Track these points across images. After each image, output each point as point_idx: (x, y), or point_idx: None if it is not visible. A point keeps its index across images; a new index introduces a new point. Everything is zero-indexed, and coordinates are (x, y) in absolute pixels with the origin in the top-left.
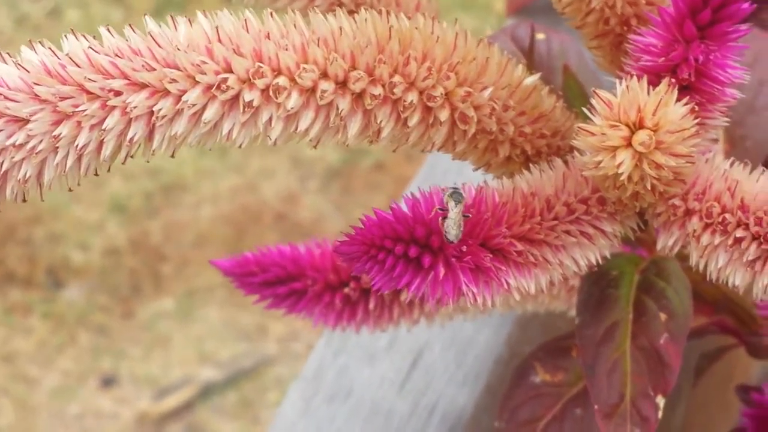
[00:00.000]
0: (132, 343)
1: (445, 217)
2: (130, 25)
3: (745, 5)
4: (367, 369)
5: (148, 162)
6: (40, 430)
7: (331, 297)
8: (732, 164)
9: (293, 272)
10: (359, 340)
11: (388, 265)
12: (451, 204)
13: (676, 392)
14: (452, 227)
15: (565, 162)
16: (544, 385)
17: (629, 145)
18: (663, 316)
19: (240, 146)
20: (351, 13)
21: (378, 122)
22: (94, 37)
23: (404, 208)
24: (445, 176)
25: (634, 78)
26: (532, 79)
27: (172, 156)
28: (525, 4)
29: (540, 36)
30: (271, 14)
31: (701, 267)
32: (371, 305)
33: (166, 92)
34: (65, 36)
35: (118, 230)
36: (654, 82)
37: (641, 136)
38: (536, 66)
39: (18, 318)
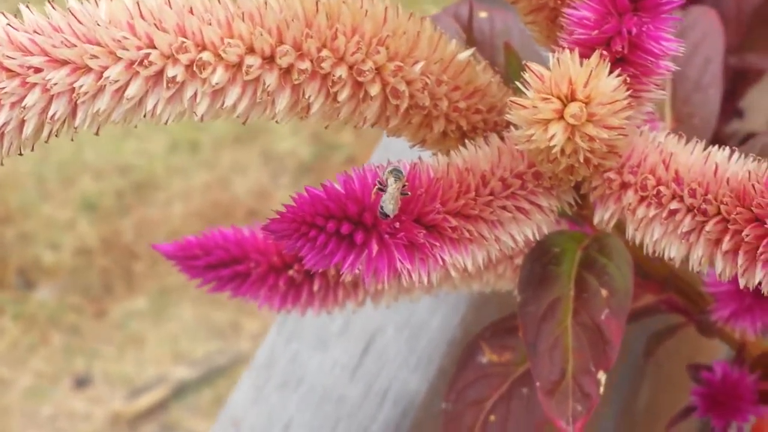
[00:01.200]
0: (105, 342)
1: (382, 189)
2: (49, 1)
3: None
4: (319, 355)
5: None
6: (13, 431)
7: (275, 279)
8: (667, 136)
9: (237, 255)
10: (311, 326)
11: (319, 242)
12: (390, 180)
13: (637, 374)
14: (389, 201)
15: (502, 138)
16: (491, 365)
17: (561, 117)
18: (604, 293)
19: (166, 123)
20: None
21: (307, 98)
22: (15, 16)
23: (337, 186)
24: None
25: (566, 51)
26: (465, 54)
27: (96, 133)
28: None
29: (482, 14)
30: None
31: (637, 240)
32: (315, 287)
33: (88, 69)
34: None
35: (89, 229)
36: (587, 56)
37: (572, 108)
38: (478, 44)
39: None
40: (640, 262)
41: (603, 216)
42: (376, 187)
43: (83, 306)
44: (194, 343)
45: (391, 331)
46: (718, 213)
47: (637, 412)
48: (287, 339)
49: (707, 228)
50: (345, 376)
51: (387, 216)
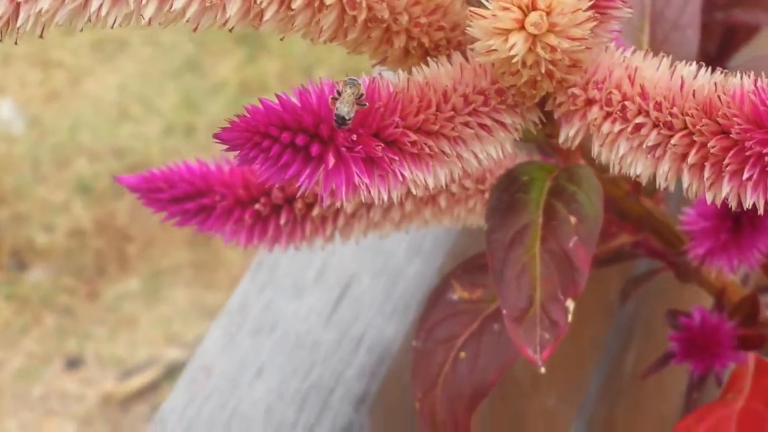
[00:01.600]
0: (97, 324)
1: (336, 98)
2: None
3: None
4: (294, 302)
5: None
6: (4, 411)
7: (241, 213)
8: (633, 53)
9: (202, 188)
10: (286, 273)
11: (273, 153)
12: (347, 89)
13: (625, 338)
14: (344, 105)
15: (465, 56)
16: (461, 302)
17: (522, 28)
18: (573, 220)
19: (112, 26)
20: None
21: (258, 3)
22: None
23: (293, 98)
24: None
25: None
26: None
27: (41, 36)
28: None
29: None
30: None
31: (603, 158)
32: (282, 221)
33: None
34: None
35: (83, 211)
36: None
37: (533, 17)
38: None
39: None
40: (615, 201)
41: (568, 133)
42: (332, 96)
43: (76, 287)
44: (187, 325)
45: (367, 279)
46: (684, 127)
47: (624, 375)
48: (261, 287)
49: (673, 141)
50: (320, 322)
51: (344, 121)
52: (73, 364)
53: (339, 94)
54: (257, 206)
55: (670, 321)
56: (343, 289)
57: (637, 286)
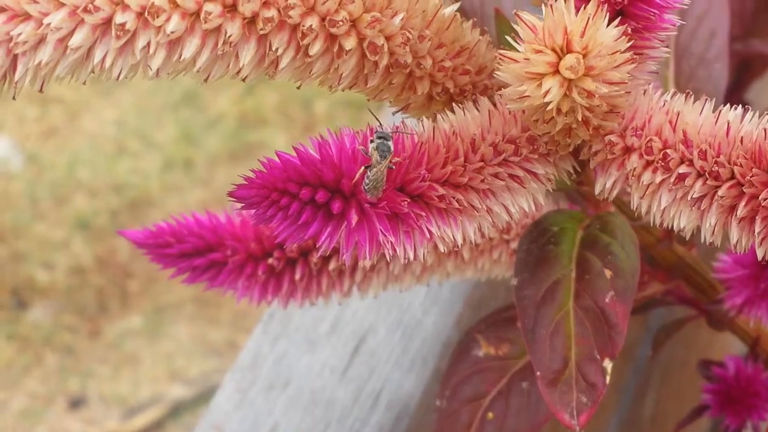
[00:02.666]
0: (100, 362)
1: (368, 167)
2: None
3: None
4: (307, 356)
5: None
6: None
7: (254, 268)
8: (674, 96)
9: (212, 242)
10: (299, 325)
11: (292, 211)
12: (376, 156)
13: (644, 382)
14: (373, 186)
15: (493, 102)
16: (487, 358)
17: (556, 71)
18: (608, 273)
19: (118, 78)
20: None
21: (274, 50)
22: None
23: (311, 150)
24: None
25: (561, 0)
26: (450, 9)
27: (41, 91)
28: None
29: None
30: None
31: (643, 209)
32: (297, 275)
33: (27, 15)
34: None
35: (84, 248)
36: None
37: (569, 60)
38: (468, 13)
39: None
40: (647, 248)
41: (605, 184)
42: (365, 165)
43: (78, 325)
44: (190, 361)
45: (383, 331)
46: (732, 176)
47: (643, 421)
48: (273, 339)
49: (720, 193)
50: (334, 377)
51: (376, 191)
52: (76, 403)
53: (365, 152)
54: (271, 260)
55: (702, 372)
56: (358, 342)
57: (669, 335)
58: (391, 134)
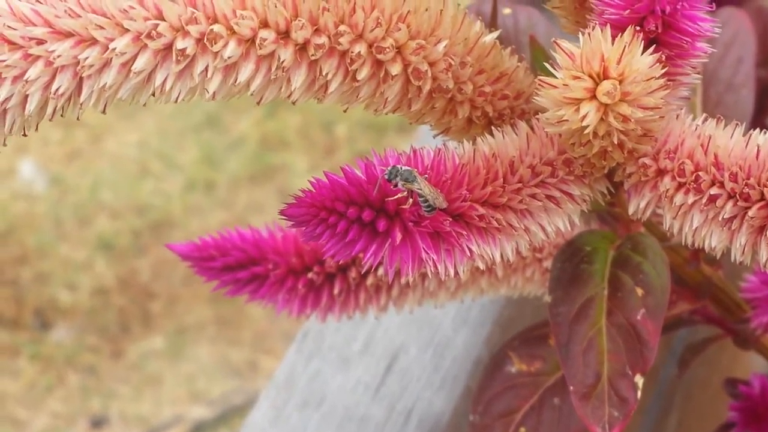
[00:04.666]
0: (121, 382)
1: (410, 195)
2: None
3: None
4: (341, 374)
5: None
6: None
7: (294, 282)
8: (705, 120)
9: (254, 256)
10: (332, 344)
11: (340, 229)
12: (408, 185)
13: (667, 401)
14: (434, 196)
15: (530, 125)
16: (520, 375)
17: (593, 97)
18: (640, 291)
19: (176, 101)
20: None
21: (324, 75)
22: None
23: (358, 171)
24: None
25: (597, 28)
26: (491, 37)
27: (104, 112)
28: None
29: (506, 11)
30: None
31: (675, 230)
32: (336, 290)
33: (93, 41)
34: None
35: (106, 269)
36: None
37: (606, 86)
38: (503, 41)
39: (5, 360)
40: (674, 268)
41: (638, 205)
42: (404, 192)
43: (100, 346)
44: (211, 382)
45: (415, 350)
46: (762, 198)
47: None
48: (307, 357)
49: (750, 214)
50: (367, 395)
51: (431, 208)
52: (98, 423)
53: (393, 183)
54: (310, 275)
55: (728, 390)
56: (390, 360)
57: (696, 354)
58: (395, 168)
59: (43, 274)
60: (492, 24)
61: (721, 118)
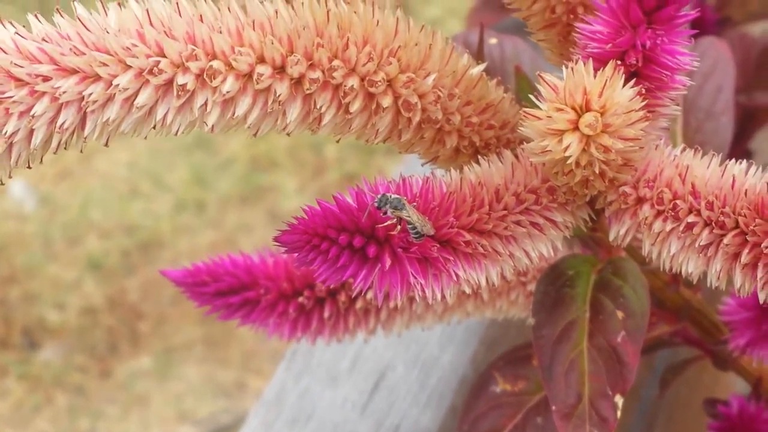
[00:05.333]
0: (109, 402)
1: (399, 222)
2: (57, 9)
3: None
4: (329, 391)
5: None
6: None
7: (285, 306)
8: (683, 150)
9: (246, 281)
10: (321, 362)
11: (331, 255)
12: (397, 213)
13: (649, 421)
14: (422, 224)
15: (515, 154)
16: (504, 394)
17: (576, 128)
18: (620, 314)
19: (177, 133)
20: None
21: (318, 108)
22: (23, 26)
23: (349, 199)
24: None
25: (580, 62)
26: (478, 69)
27: (106, 145)
28: (488, 23)
29: (492, 41)
30: None
31: (654, 256)
32: (326, 314)
33: (97, 77)
34: None
35: (95, 289)
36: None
37: (588, 118)
38: (489, 70)
39: None
40: (654, 291)
41: (619, 231)
42: (393, 219)
43: (88, 366)
44: (199, 402)
45: (402, 368)
46: (737, 226)
47: None
48: (297, 375)
49: (725, 241)
50: (355, 412)
51: (420, 235)
52: None
53: (381, 209)
54: (301, 299)
55: (707, 410)
56: (377, 378)
57: (676, 375)
58: (384, 196)
59: (32, 294)
60: (478, 54)
61: (699, 148)
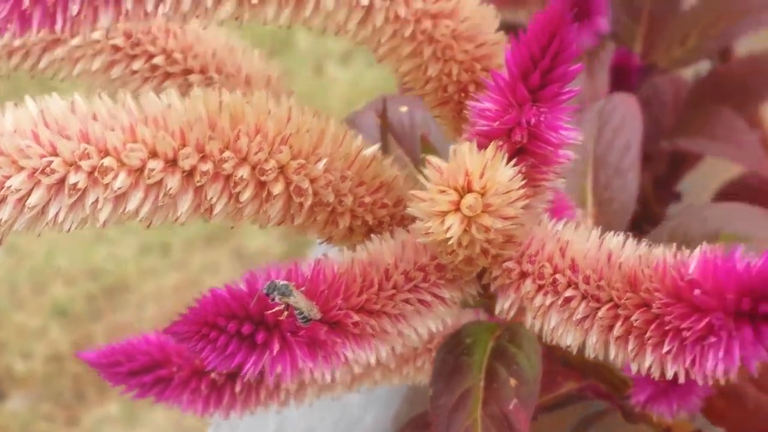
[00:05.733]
0: None
1: (287, 308)
2: None
3: (575, 67)
4: None
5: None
6: None
7: (198, 383)
8: (565, 225)
9: (159, 359)
10: (246, 429)
11: (220, 343)
12: (285, 300)
13: None
14: (309, 309)
15: (408, 230)
16: None
17: (457, 209)
18: (513, 382)
19: (68, 230)
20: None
21: (209, 199)
22: None
23: (241, 285)
24: None
25: (464, 143)
26: (371, 150)
27: None
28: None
29: (403, 109)
30: (100, 95)
31: (537, 328)
32: (237, 389)
33: None
34: None
35: (61, 335)
36: (488, 146)
37: (468, 199)
38: (399, 137)
39: None
40: (559, 350)
41: (503, 305)
42: (281, 306)
43: (55, 414)
44: None
45: (325, 430)
46: (611, 299)
47: None
48: None
49: (600, 314)
50: None
51: (307, 320)
52: None
53: (269, 295)
54: (213, 375)
55: None
56: None
57: (587, 427)
58: (272, 283)
59: None
60: (383, 122)
61: (580, 224)
